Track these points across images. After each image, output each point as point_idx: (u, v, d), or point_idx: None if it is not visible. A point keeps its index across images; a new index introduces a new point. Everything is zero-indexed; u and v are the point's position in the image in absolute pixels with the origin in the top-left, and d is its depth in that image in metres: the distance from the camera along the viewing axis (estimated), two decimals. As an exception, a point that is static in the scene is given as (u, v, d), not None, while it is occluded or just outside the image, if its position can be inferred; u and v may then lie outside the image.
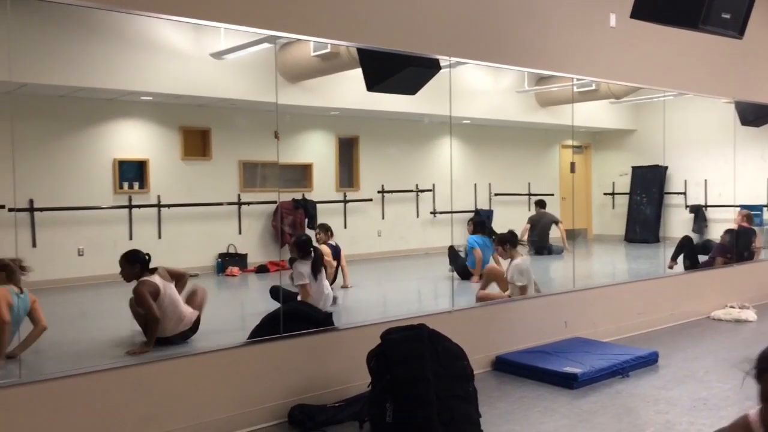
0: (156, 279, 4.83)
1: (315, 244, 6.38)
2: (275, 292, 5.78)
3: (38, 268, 6.40)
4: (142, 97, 7.57)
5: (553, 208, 9.77)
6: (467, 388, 3.88)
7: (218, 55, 6.89)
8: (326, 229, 7.04)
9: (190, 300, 5.17)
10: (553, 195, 10.18)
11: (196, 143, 8.25)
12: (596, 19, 6.37)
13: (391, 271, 8.97)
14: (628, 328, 6.47)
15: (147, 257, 4.91)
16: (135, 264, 4.83)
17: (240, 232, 8.38)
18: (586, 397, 4.61)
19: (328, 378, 4.45)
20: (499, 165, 10.64)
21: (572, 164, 9.15)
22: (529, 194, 10.46)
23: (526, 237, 8.98)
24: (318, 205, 8.70)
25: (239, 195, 8.36)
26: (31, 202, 6.75)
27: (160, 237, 7.68)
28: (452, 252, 7.89)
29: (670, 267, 7.75)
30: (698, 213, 9.65)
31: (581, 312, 6.13)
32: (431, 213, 9.38)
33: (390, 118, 9.14)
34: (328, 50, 6.11)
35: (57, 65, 6.39)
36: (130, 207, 7.57)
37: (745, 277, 7.99)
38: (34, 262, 6.48)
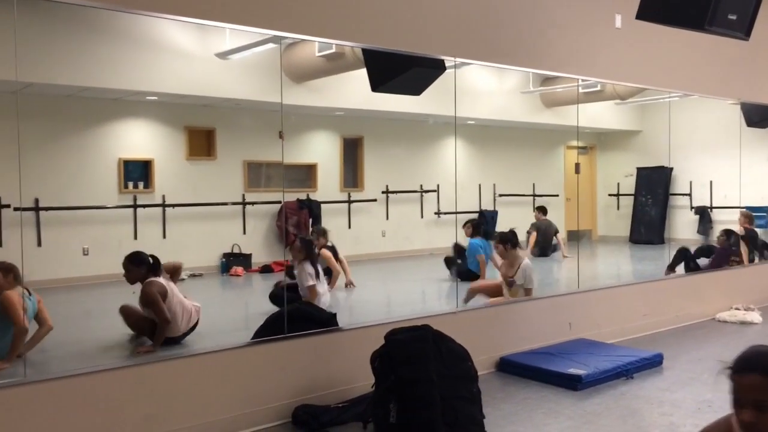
0: (162, 279, 4.79)
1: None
2: (275, 298, 5.79)
3: (43, 268, 6.46)
4: (148, 97, 7.58)
5: (557, 209, 9.75)
6: (471, 389, 3.88)
7: (223, 55, 6.90)
8: (323, 233, 6.97)
9: None
10: (557, 196, 10.17)
11: (201, 143, 8.26)
12: (602, 20, 6.36)
13: (395, 272, 8.97)
14: (632, 330, 6.45)
15: (153, 260, 4.82)
16: (141, 265, 4.76)
17: (244, 232, 8.39)
18: (590, 399, 4.60)
19: (332, 378, 4.45)
20: (503, 166, 10.61)
21: (577, 165, 9.14)
22: (534, 195, 10.45)
23: (531, 246, 8.94)
24: (322, 206, 8.70)
25: (244, 195, 8.37)
26: (37, 201, 6.77)
27: (164, 237, 7.70)
28: (455, 250, 7.86)
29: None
30: (703, 214, 9.62)
31: (585, 313, 6.12)
32: (435, 213, 9.38)
33: (394, 119, 9.13)
34: (333, 50, 6.11)
35: (62, 65, 6.41)
36: (135, 207, 7.59)
37: (750, 279, 7.96)
38: (39, 262, 6.54)
